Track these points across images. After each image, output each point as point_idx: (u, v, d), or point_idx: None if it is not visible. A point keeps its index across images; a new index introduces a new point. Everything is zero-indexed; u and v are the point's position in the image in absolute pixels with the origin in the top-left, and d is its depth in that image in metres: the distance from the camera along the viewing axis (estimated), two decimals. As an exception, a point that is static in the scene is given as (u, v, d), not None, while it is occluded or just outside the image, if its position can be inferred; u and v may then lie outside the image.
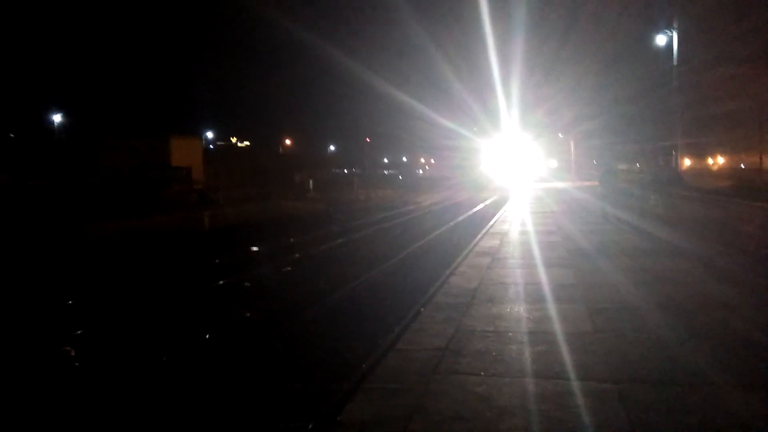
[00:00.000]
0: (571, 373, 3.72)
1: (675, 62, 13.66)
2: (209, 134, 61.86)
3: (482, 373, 3.79)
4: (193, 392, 5.39)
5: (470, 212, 25.26)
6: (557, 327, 4.85)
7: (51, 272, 12.10)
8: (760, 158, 42.72)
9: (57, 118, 49.16)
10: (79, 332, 7.47)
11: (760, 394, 3.33)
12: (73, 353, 6.90)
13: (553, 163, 72.07)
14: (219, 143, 66.98)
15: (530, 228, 13.37)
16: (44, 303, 9.16)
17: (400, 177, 68.77)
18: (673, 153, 13.22)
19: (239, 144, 69.01)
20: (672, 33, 13.89)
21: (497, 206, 24.25)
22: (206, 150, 57.99)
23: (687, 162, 79.79)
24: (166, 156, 47.99)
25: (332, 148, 78.89)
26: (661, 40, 13.88)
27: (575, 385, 3.53)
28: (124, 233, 18.82)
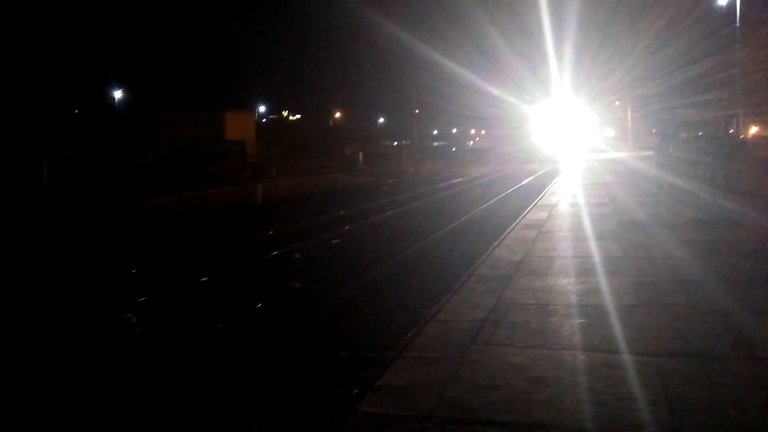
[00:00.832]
0: (609, 346, 3.73)
1: (738, 23, 12.82)
2: (261, 108, 62.81)
3: (520, 345, 3.85)
4: (242, 359, 5.67)
5: (519, 184, 24.89)
6: (599, 300, 4.82)
7: (113, 243, 12.79)
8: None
9: (117, 94, 50.99)
10: (141, 299, 7.93)
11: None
12: (134, 320, 7.35)
13: (610, 132, 69.61)
14: (271, 117, 68.00)
15: (581, 200, 13.10)
16: (109, 272, 9.73)
17: (453, 149, 68.05)
18: (735, 119, 12.51)
19: (290, 118, 69.84)
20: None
21: (548, 178, 23.78)
22: (258, 124, 59.00)
23: (753, 129, 75.49)
24: (221, 130, 49.18)
25: (381, 120, 78.69)
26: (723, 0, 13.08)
27: (612, 357, 3.54)
28: (180, 206, 19.58)
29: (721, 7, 13.87)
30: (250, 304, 7.93)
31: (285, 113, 68.44)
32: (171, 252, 11.66)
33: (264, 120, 61.54)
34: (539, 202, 13.40)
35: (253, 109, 59.01)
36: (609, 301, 4.77)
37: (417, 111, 65.33)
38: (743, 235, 7.89)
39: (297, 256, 11.36)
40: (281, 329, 6.74)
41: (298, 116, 68.73)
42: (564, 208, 11.85)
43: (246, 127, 51.80)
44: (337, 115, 72.27)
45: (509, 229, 9.45)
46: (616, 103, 58.38)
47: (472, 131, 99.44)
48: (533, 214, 11.08)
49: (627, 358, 3.51)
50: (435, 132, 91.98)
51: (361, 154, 49.03)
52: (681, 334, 3.90)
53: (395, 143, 75.08)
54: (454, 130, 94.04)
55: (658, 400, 2.92)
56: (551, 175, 25.44)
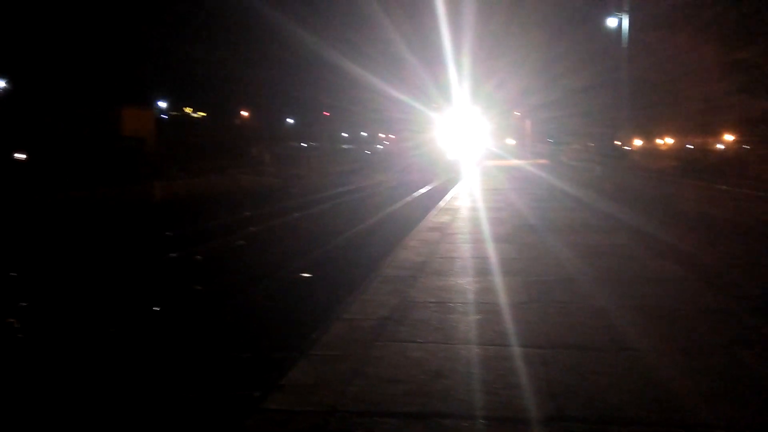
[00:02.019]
0: (501, 340, 4.00)
1: (625, 44, 14.08)
2: (163, 104, 59.96)
3: (420, 341, 4.02)
4: (137, 366, 5.47)
5: (424, 189, 25.60)
6: (494, 298, 5.13)
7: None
8: (706, 140, 44.53)
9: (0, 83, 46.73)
10: (25, 304, 7.39)
11: (672, 358, 3.66)
12: (17, 325, 6.84)
13: (510, 141, 73.25)
14: (173, 113, 65.12)
15: (481, 204, 13.73)
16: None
17: (368, 152, 68.69)
18: (619, 133, 13.81)
19: (194, 115, 67.20)
20: (622, 16, 14.29)
21: (451, 183, 24.61)
22: (160, 120, 56.33)
23: (638, 142, 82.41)
24: (118, 126, 46.43)
25: (290, 121, 77.74)
26: (612, 22, 14.29)
27: (504, 350, 3.80)
28: (68, 206, 18.30)
29: (610, 29, 15.14)
30: (147, 309, 7.62)
31: (189, 110, 65.76)
32: (61, 255, 10.92)
33: (165, 117, 58.81)
34: (443, 206, 13.88)
35: (154, 104, 56.23)
36: (503, 299, 5.09)
37: (326, 113, 65.18)
38: (624, 238, 8.63)
39: (198, 257, 11.04)
40: (179, 334, 6.55)
41: (203, 114, 66.31)
42: (466, 212, 12.37)
43: (146, 123, 49.27)
44: (244, 114, 70.52)
45: (414, 231, 9.74)
46: (516, 113, 61.55)
47: (381, 135, 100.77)
48: (437, 218, 11.47)
49: (516, 351, 3.78)
50: (345, 135, 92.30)
51: (268, 155, 48.22)
52: (564, 329, 4.25)
53: (304, 145, 74.48)
54: (364, 134, 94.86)
55: (541, 389, 3.19)
56: (454, 181, 26.37)
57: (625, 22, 14.14)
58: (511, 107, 57.23)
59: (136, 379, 5.10)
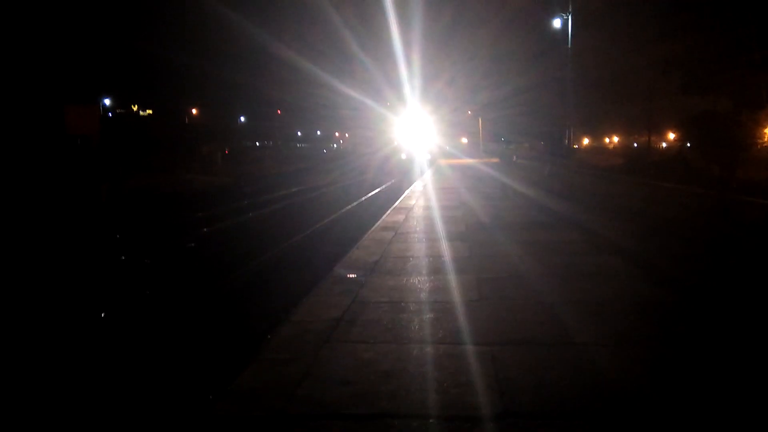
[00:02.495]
0: (452, 338, 4.04)
1: (569, 44, 14.46)
2: (107, 101, 57.95)
3: (372, 341, 4.02)
4: (88, 376, 5.26)
5: (380, 188, 25.64)
6: (446, 296, 5.18)
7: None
8: (649, 139, 46.30)
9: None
10: None
11: (611, 350, 3.78)
12: None
13: (464, 140, 74.28)
14: (119, 111, 63.01)
15: (434, 203, 13.85)
16: None
17: (324, 151, 68.34)
18: (567, 132, 14.19)
19: (141, 113, 65.22)
20: (567, 16, 14.68)
21: (405, 182, 24.75)
22: (105, 118, 54.44)
23: (585, 140, 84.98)
24: (61, 124, 44.58)
25: (242, 119, 76.47)
26: (556, 23, 14.66)
27: (454, 348, 3.84)
28: (13, 206, 17.48)
29: (555, 30, 15.52)
30: (93, 315, 7.34)
31: (135, 108, 63.79)
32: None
33: (110, 114, 56.90)
34: (397, 205, 13.94)
35: (98, 101, 54.27)
36: (454, 297, 5.14)
37: (279, 111, 64.49)
38: (574, 235, 8.87)
39: (147, 261, 10.71)
40: (127, 342, 6.34)
41: (150, 111, 64.44)
42: (419, 211, 12.45)
43: (90, 122, 47.52)
44: (194, 111, 68.95)
45: (368, 231, 9.73)
46: (468, 112, 62.46)
47: (336, 134, 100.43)
48: (391, 217, 11.51)
49: (466, 349, 3.83)
50: (299, 133, 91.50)
51: (219, 154, 47.32)
52: (513, 325, 4.33)
53: (257, 143, 73.44)
54: (318, 132, 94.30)
55: (491, 385, 3.23)
56: (408, 180, 26.52)
57: (570, 22, 14.53)
58: (463, 105, 58.04)
59: (80, 395, 4.90)
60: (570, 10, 14.82)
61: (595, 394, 3.12)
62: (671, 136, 60.83)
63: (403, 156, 43.34)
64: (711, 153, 21.32)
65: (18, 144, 31.76)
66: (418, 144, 44.23)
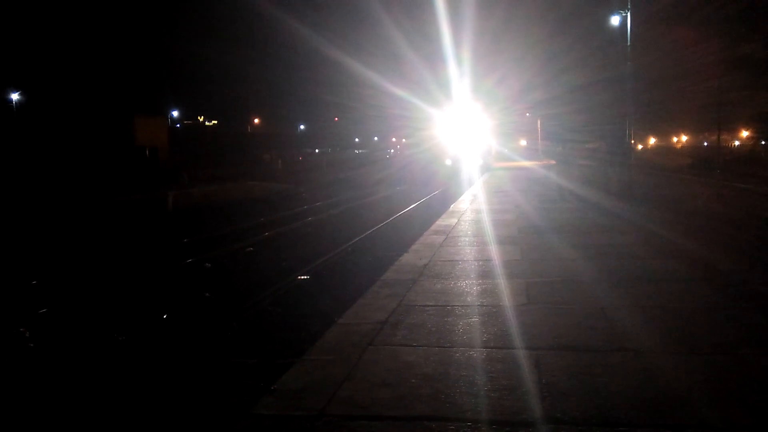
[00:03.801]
0: (496, 342, 3.98)
1: (629, 42, 13.96)
2: (175, 113, 60.66)
3: (415, 344, 4.02)
4: (144, 371, 5.53)
5: (433, 193, 25.57)
6: (493, 300, 5.11)
7: None
8: (718, 137, 44.02)
9: (15, 96, 47.56)
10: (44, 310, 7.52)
11: (669, 360, 3.62)
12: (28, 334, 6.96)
13: (522, 142, 72.91)
14: (186, 122, 65.79)
15: (487, 207, 13.69)
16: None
17: (388, 156, 68.46)
18: (628, 131, 13.71)
19: (207, 123, 67.89)
20: (626, 13, 14.18)
21: (461, 186, 24.55)
22: (172, 129, 56.97)
23: (652, 140, 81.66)
24: (131, 135, 47.00)
25: (302, 127, 78.14)
26: (615, 19, 14.19)
27: (497, 352, 3.79)
28: (84, 214, 18.57)
29: (614, 27, 15.03)
30: (158, 315, 7.71)
31: (201, 118, 66.44)
32: (77, 262, 11.09)
33: (178, 125, 59.47)
34: (451, 209, 13.87)
35: (167, 113, 56.87)
36: (502, 301, 5.07)
37: (336, 119, 65.55)
38: (630, 239, 8.56)
39: (208, 264, 11.13)
40: (189, 339, 6.62)
41: (215, 122, 66.96)
42: (472, 215, 12.33)
43: (158, 133, 49.82)
44: (256, 121, 71.09)
45: (420, 234, 9.74)
46: (527, 113, 61.25)
47: (393, 140, 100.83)
48: (443, 221, 11.46)
49: (510, 353, 3.77)
50: (357, 140, 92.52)
51: (280, 162, 48.54)
52: (561, 330, 4.23)
53: (316, 150, 74.78)
54: (375, 138, 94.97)
55: (530, 390, 3.17)
56: (462, 185, 26.24)
57: (629, 19, 14.06)
58: (519, 106, 56.92)
59: (133, 386, 5.16)
60: (629, 6, 14.33)
61: (642, 402, 3.01)
62: (744, 133, 57.61)
63: (448, 162, 40.53)
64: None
65: (91, 154, 33.65)
66: (468, 146, 41.26)
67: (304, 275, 9.82)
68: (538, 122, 59.27)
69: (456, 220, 11.32)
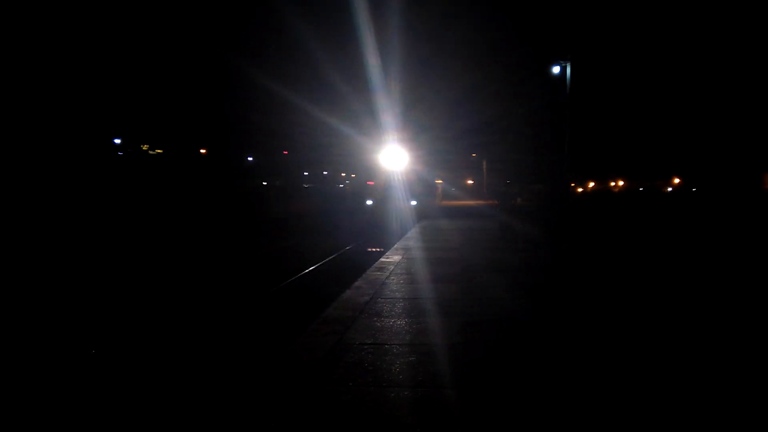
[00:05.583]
0: (432, 382, 4.02)
1: (567, 90, 14.73)
2: (117, 141, 59.07)
3: (350, 384, 4.01)
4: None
5: (383, 228, 25.64)
6: (432, 339, 5.16)
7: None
8: (652, 183, 46.31)
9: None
10: None
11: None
12: None
13: (469, 181, 74.74)
14: (128, 150, 64.08)
15: (431, 245, 13.89)
16: None
17: (342, 186, 68.01)
18: (566, 176, 14.38)
19: (150, 152, 66.32)
20: (566, 63, 14.97)
21: (408, 223, 24.78)
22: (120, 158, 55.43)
23: (591, 184, 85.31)
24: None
25: (250, 159, 77.46)
26: (555, 69, 14.97)
27: (432, 392, 3.82)
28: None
29: (554, 75, 15.84)
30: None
31: (145, 147, 64.91)
32: None
33: (120, 153, 57.89)
34: (397, 246, 13.97)
35: (106, 141, 55.37)
36: (440, 340, 5.13)
37: (285, 152, 65.35)
38: (568, 277, 8.84)
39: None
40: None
41: (159, 151, 65.56)
42: (417, 252, 12.46)
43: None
44: (202, 151, 70.05)
45: (364, 271, 9.75)
46: (473, 155, 63.01)
47: (342, 174, 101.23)
48: (387, 257, 11.52)
49: (445, 393, 3.81)
50: (305, 173, 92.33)
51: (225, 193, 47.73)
52: (495, 369, 4.31)
53: (264, 183, 74.09)
54: (325, 173, 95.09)
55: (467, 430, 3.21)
56: (410, 222, 26.43)
57: (569, 70, 14.85)
58: (472, 150, 58.51)
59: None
60: (569, 57, 15.16)
61: None
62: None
63: (405, 197, 29.71)
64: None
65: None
66: (422, 187, 36.25)
67: (240, 312, 9.61)
68: (484, 163, 61.07)
69: (400, 257, 11.40)
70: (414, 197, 26.64)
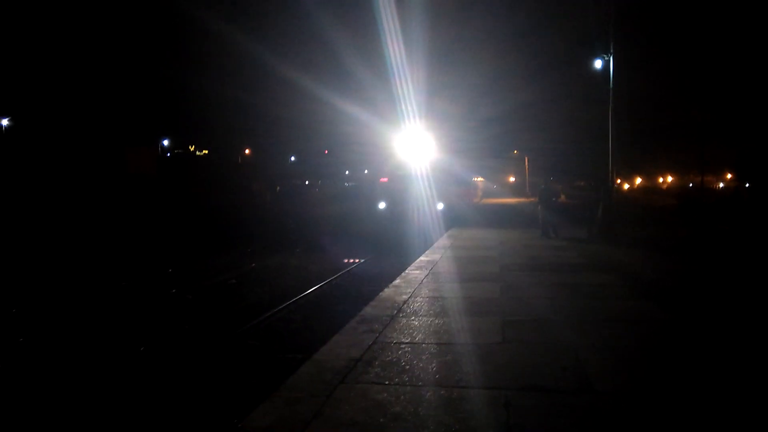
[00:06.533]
0: (468, 381, 4.00)
1: (611, 84, 14.26)
2: (166, 142, 60.90)
3: (387, 382, 4.02)
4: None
5: (419, 225, 25.53)
6: (468, 338, 5.13)
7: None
8: (702, 179, 44.78)
9: (4, 122, 47.53)
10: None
11: (640, 402, 3.65)
12: None
13: (511, 178, 73.81)
14: (177, 151, 65.94)
15: (471, 243, 13.78)
16: None
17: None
18: (611, 174, 13.87)
19: (197, 153, 68.08)
20: (609, 57, 14.54)
21: (444, 224, 24.60)
22: (162, 158, 57.04)
23: (638, 180, 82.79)
24: (122, 164, 46.96)
25: (293, 158, 78.55)
26: (598, 63, 14.52)
27: (469, 392, 3.79)
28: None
29: (597, 70, 15.39)
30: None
31: (192, 148, 66.68)
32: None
33: (168, 154, 59.61)
34: (435, 245, 13.94)
35: (156, 143, 57.07)
36: (477, 339, 5.09)
37: (326, 151, 65.99)
38: (608, 278, 8.63)
39: (190, 296, 11.06)
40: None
41: (206, 152, 67.24)
42: (456, 251, 12.39)
43: (148, 162, 49.86)
44: (247, 151, 71.44)
45: (403, 270, 9.77)
46: (515, 152, 62.27)
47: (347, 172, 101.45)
48: (427, 256, 11.50)
49: (481, 393, 3.78)
50: (347, 172, 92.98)
51: (268, 193, 48.60)
52: (532, 370, 4.25)
53: (306, 182, 74.98)
54: (366, 171, 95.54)
55: (498, 430, 3.19)
56: (448, 222, 26.22)
57: (611, 63, 14.45)
58: (514, 147, 57.80)
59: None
60: (611, 51, 14.75)
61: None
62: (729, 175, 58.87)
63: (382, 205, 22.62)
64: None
65: (85, 182, 33.50)
66: (459, 185, 31.05)
67: (284, 309, 9.78)
68: (526, 160, 60.19)
69: (440, 256, 11.35)
70: (443, 199, 21.54)
